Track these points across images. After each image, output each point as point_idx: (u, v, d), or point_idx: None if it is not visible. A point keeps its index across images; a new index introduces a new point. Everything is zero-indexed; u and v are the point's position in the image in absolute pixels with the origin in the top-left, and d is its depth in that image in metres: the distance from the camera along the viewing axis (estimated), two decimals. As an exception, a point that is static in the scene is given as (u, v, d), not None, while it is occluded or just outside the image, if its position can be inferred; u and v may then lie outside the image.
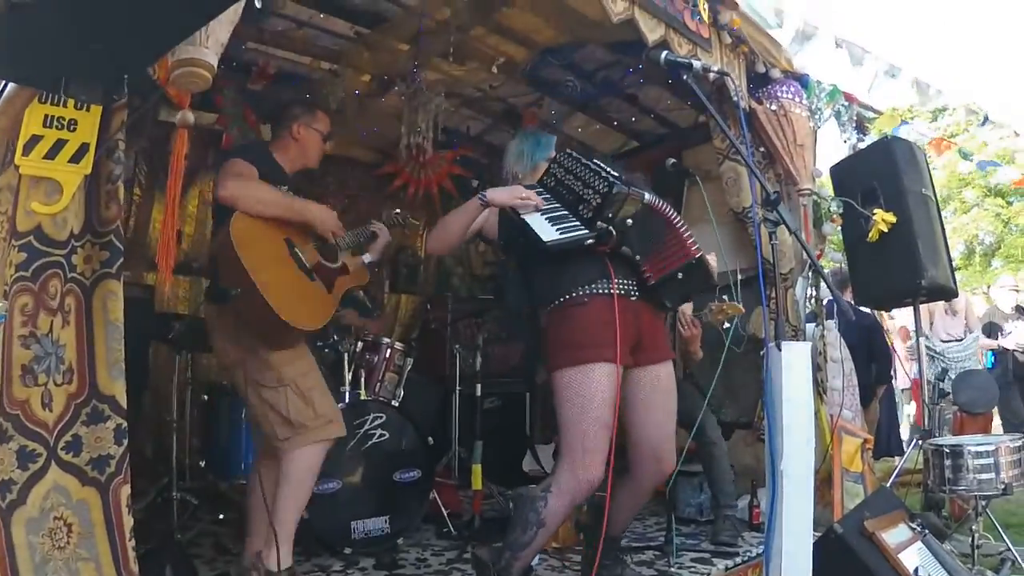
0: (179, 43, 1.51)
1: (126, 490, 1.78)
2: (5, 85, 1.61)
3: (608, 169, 2.27)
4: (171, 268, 1.86)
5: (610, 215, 2.20)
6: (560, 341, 2.21)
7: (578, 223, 2.21)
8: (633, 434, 2.33)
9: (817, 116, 3.65)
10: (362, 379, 3.60)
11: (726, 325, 3.43)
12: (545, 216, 2.25)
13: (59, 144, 1.79)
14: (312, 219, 2.52)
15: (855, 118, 3.77)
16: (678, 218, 2.33)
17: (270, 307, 2.23)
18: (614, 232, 2.21)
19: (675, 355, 3.26)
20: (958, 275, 4.02)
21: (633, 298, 2.29)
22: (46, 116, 1.78)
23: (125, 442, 1.80)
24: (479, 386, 4.07)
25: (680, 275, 2.31)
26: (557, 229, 2.18)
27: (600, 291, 2.23)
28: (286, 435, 2.38)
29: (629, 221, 2.24)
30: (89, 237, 1.87)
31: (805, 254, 2.38)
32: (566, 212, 2.27)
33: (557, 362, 2.20)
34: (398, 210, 2.96)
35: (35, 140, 1.77)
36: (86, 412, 1.76)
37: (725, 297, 3.37)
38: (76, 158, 1.82)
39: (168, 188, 1.85)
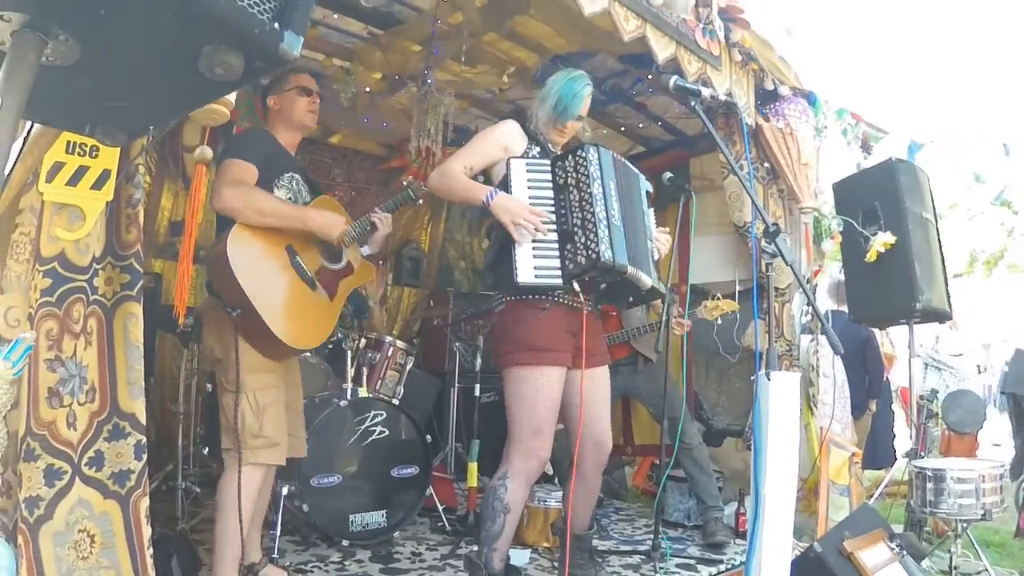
0: (208, 103, 1.55)
1: (145, 502, 1.87)
2: (32, 124, 1.64)
3: (612, 220, 2.32)
4: (185, 304, 1.90)
5: (587, 279, 2.34)
6: (522, 340, 2.39)
7: (558, 267, 2.31)
8: (574, 428, 2.51)
9: (822, 133, 3.69)
10: (364, 376, 3.70)
11: (719, 321, 3.54)
12: (533, 244, 2.30)
13: (81, 171, 1.83)
14: (315, 229, 2.45)
15: (860, 136, 3.80)
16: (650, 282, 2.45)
17: (271, 331, 2.24)
18: (580, 290, 2.38)
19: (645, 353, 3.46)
20: (960, 283, 4.08)
21: (578, 307, 2.47)
22: (68, 143, 1.81)
23: (144, 457, 1.88)
24: (478, 386, 4.17)
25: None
26: (535, 268, 2.29)
27: (561, 300, 2.43)
28: (227, 446, 2.35)
29: (603, 285, 2.41)
30: (110, 259, 1.92)
31: (799, 285, 2.43)
32: (555, 243, 2.32)
33: (517, 359, 2.40)
34: (406, 181, 2.84)
35: (58, 167, 1.80)
36: (108, 429, 1.84)
37: (719, 295, 3.46)
38: (98, 184, 1.86)
39: (185, 237, 1.86)
